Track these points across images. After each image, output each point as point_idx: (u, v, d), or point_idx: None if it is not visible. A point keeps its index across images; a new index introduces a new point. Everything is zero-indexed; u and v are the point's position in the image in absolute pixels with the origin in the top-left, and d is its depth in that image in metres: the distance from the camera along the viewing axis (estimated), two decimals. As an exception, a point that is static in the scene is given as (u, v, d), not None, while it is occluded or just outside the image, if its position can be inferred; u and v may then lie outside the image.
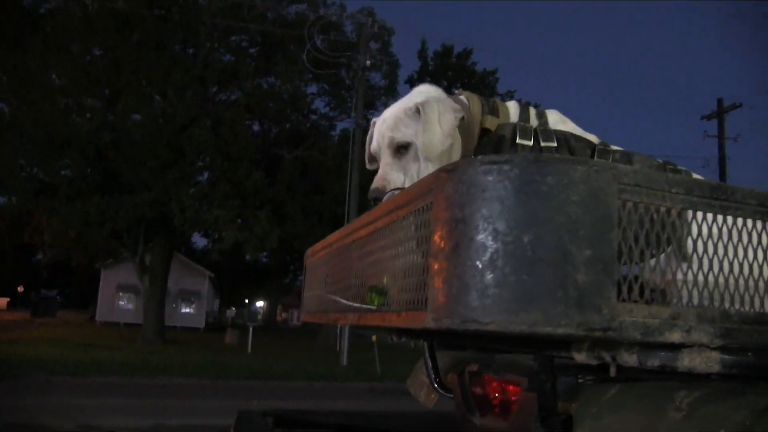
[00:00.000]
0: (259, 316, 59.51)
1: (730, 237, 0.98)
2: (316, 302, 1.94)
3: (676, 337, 0.92)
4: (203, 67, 25.76)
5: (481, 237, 0.87)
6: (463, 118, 2.02)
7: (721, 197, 0.97)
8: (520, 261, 0.86)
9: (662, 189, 0.92)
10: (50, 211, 27.34)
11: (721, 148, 28.58)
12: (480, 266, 0.87)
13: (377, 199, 1.95)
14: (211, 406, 12.54)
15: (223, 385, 16.16)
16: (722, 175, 27.97)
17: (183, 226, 24.76)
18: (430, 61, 31.75)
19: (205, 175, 26.16)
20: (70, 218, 23.95)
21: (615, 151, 2.00)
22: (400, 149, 2.00)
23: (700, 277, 0.98)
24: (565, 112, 2.24)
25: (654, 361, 1.01)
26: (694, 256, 0.98)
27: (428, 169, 1.90)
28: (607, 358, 1.05)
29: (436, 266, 0.92)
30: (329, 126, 30.35)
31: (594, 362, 1.07)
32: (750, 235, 0.98)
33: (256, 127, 28.20)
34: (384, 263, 1.21)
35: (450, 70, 31.34)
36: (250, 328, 26.78)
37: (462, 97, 2.13)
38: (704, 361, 0.97)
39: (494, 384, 1.63)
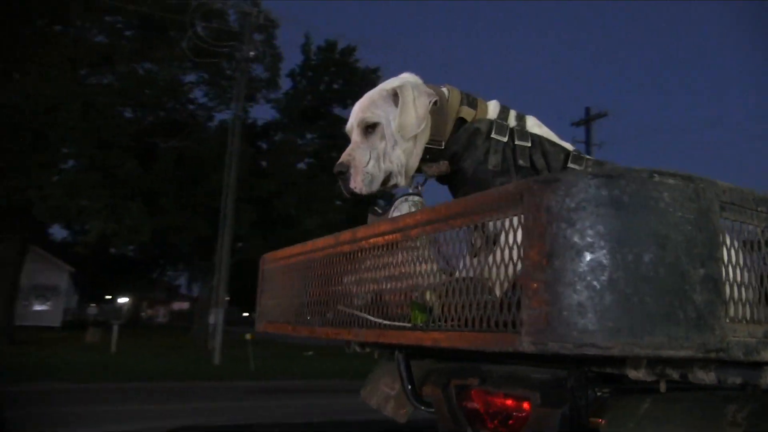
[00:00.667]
0: (124, 313, 56.80)
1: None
2: (286, 312, 1.84)
3: (759, 354, 0.92)
4: (73, 45, 24.16)
5: (597, 255, 0.82)
6: (436, 102, 2.05)
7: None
8: (642, 281, 0.82)
9: (752, 207, 0.91)
10: None
11: (588, 153, 30.44)
12: (598, 287, 0.81)
13: (341, 173, 2.08)
14: (66, 412, 11.77)
15: (82, 388, 15.22)
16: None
17: (44, 216, 23.16)
18: (313, 56, 31.53)
19: (72, 162, 24.60)
20: None
21: (588, 159, 2.04)
22: (368, 128, 2.07)
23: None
24: None
25: (736, 379, 1.00)
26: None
27: (396, 149, 2.01)
28: (675, 375, 1.03)
29: (534, 285, 0.85)
30: (207, 116, 29.45)
31: (649, 379, 1.05)
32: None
33: (129, 114, 26.83)
34: (423, 277, 1.13)
35: (333, 66, 31.27)
36: (114, 326, 25.44)
37: (443, 89, 2.15)
38: (770, 377, 0.98)
39: (489, 398, 1.59)
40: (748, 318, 0.89)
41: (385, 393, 2.12)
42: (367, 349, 2.17)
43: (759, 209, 0.93)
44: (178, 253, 43.87)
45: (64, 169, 24.04)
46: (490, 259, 1.00)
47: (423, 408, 1.82)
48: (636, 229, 0.83)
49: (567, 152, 2.05)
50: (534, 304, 0.85)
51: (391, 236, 1.26)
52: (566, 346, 0.81)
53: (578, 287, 0.82)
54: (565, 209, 0.84)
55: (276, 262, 1.99)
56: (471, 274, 1.07)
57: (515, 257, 0.93)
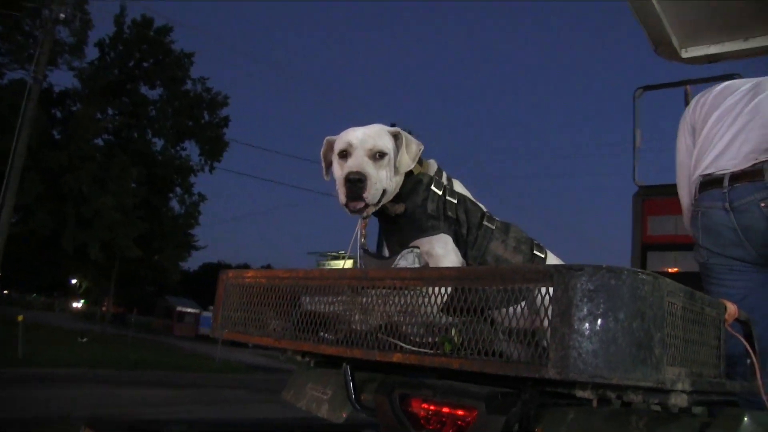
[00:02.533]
0: None
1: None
2: (259, 325, 2.17)
3: (681, 386, 1.48)
4: None
5: (605, 320, 1.31)
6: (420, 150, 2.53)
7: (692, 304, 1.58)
8: (630, 338, 1.32)
9: (677, 295, 1.47)
10: None
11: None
12: (604, 340, 1.31)
13: (360, 181, 2.34)
14: None
15: None
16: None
17: None
18: (126, 29, 29.99)
19: None
20: None
21: (497, 221, 2.58)
22: (377, 155, 2.41)
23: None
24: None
25: (654, 400, 1.56)
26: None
27: (394, 181, 2.44)
28: (612, 396, 1.57)
29: (561, 335, 1.32)
30: (-2, 73, 26.81)
31: (593, 398, 1.58)
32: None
33: None
34: (443, 317, 1.59)
35: (146, 43, 30.00)
36: None
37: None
38: (681, 400, 1.54)
39: (433, 406, 2.03)
40: (672, 363, 1.44)
41: (315, 397, 2.49)
42: (306, 358, 2.56)
43: (679, 295, 1.50)
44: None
45: None
46: (510, 311, 1.47)
47: (365, 413, 2.22)
48: (628, 306, 1.34)
49: (482, 212, 2.56)
50: (560, 348, 1.34)
51: (413, 282, 1.69)
52: (583, 376, 1.30)
53: (593, 340, 1.31)
54: (587, 289, 1.34)
55: (244, 279, 2.28)
56: (489, 320, 1.54)
57: (542, 314, 1.41)
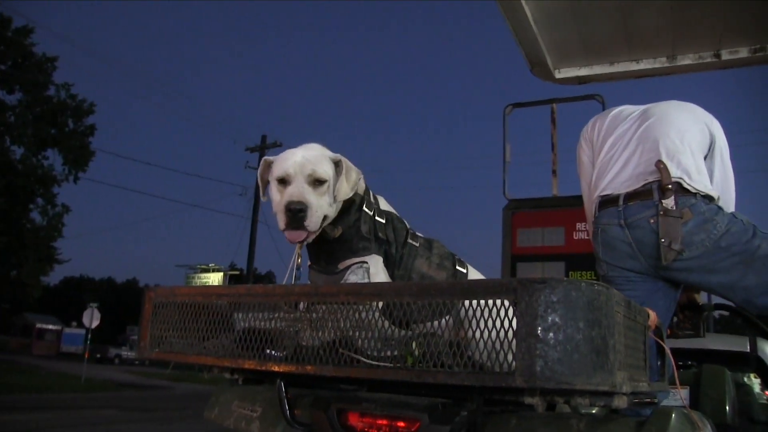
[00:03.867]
0: None
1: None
2: (188, 343, 2.10)
3: (625, 388, 1.57)
4: None
5: (568, 330, 1.38)
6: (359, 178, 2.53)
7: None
8: (590, 346, 1.40)
9: (617, 303, 1.58)
10: None
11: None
12: (568, 349, 1.38)
13: (301, 211, 2.33)
14: None
15: None
16: (256, 200, 30.86)
17: None
18: (-20, 28, 27.86)
19: None
20: None
21: (420, 237, 2.64)
22: (317, 182, 2.39)
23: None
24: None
25: (600, 402, 1.66)
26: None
27: (333, 207, 2.44)
28: (561, 401, 1.66)
29: (526, 345, 1.38)
30: None
31: (540, 404, 1.66)
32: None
33: None
34: (414, 331, 1.63)
35: (3, 44, 27.94)
36: None
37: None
38: (623, 402, 1.64)
39: (373, 419, 2.05)
40: (619, 367, 1.55)
41: (244, 414, 2.43)
42: (236, 376, 2.51)
43: (621, 304, 1.61)
44: None
45: None
46: (471, 324, 1.52)
47: (301, 428, 2.20)
48: (587, 315, 1.42)
49: (407, 229, 2.60)
50: (526, 357, 1.40)
51: (370, 297, 1.71)
52: (549, 383, 1.37)
53: (558, 348, 1.38)
54: (550, 301, 1.41)
55: (176, 297, 2.20)
56: (449, 334, 1.59)
57: (506, 326, 1.47)
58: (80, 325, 44.19)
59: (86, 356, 28.86)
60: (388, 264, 2.48)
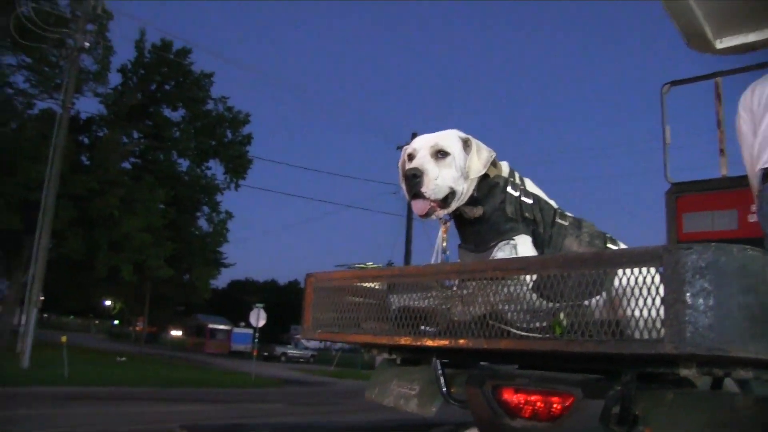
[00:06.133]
0: None
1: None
2: (347, 323, 2.26)
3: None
4: None
5: (719, 295, 1.38)
6: (494, 157, 2.58)
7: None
8: (745, 313, 1.40)
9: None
10: None
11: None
12: (720, 315, 1.38)
13: (415, 177, 2.40)
14: None
15: None
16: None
17: None
18: (147, 53, 30.45)
19: None
20: None
21: (569, 216, 2.65)
22: (439, 153, 2.48)
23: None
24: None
25: (764, 376, 1.63)
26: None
27: (464, 182, 2.49)
28: (720, 373, 1.64)
29: (675, 312, 1.40)
30: (27, 104, 27.31)
31: (697, 376, 1.65)
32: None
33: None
34: (552, 303, 1.68)
35: (166, 66, 30.40)
36: None
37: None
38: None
39: (527, 395, 2.10)
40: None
41: (402, 393, 2.55)
42: (394, 356, 2.64)
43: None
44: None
45: None
46: (617, 293, 1.55)
47: (457, 405, 2.28)
48: (740, 281, 1.41)
49: (555, 209, 2.62)
50: (675, 323, 1.41)
51: (517, 271, 1.78)
52: (700, 349, 1.38)
53: (708, 314, 1.38)
54: (698, 266, 1.41)
55: (335, 281, 2.37)
56: (596, 304, 1.63)
57: (653, 293, 1.48)
58: (248, 325, 46.97)
59: (254, 354, 30.44)
60: (536, 244, 2.50)
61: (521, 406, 2.15)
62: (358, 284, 2.28)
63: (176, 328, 63.16)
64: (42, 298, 22.02)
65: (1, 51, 24.61)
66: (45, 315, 61.46)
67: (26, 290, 22.67)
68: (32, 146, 24.64)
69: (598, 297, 1.65)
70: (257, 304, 28.69)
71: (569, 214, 2.67)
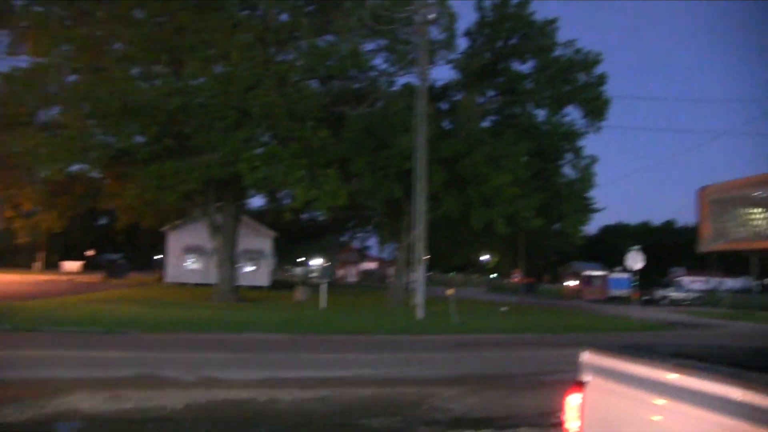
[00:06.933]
0: (331, 273, 60.42)
1: None
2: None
3: None
4: (263, 28, 25.77)
5: None
6: None
7: None
8: None
9: None
10: (125, 177, 28.03)
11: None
12: None
13: None
14: (308, 359, 12.98)
15: (309, 339, 16.58)
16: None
17: (254, 185, 25.15)
18: (487, 12, 31.20)
19: (270, 135, 26.30)
20: (145, 182, 24.49)
21: None
22: None
23: None
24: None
25: None
26: None
27: None
28: None
29: None
30: (389, 82, 30.19)
31: None
32: None
33: (316, 86, 28.19)
34: None
35: (507, 21, 30.79)
36: (323, 285, 27.27)
37: None
38: None
39: None
40: None
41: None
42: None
43: None
44: (367, 216, 45.85)
45: (267, 143, 25.78)
46: None
47: None
48: None
49: None
50: None
51: None
52: None
53: None
54: None
55: (729, 191, 2.22)
56: None
57: None
58: (624, 269, 45.80)
59: (635, 297, 29.61)
60: None
61: None
62: (756, 193, 2.05)
63: (551, 277, 64.46)
64: (427, 256, 24.21)
65: (362, 39, 27.34)
66: (429, 273, 67.86)
67: (413, 251, 25.21)
68: (400, 120, 27.14)
69: None
70: (633, 247, 27.73)
71: None
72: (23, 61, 25.11)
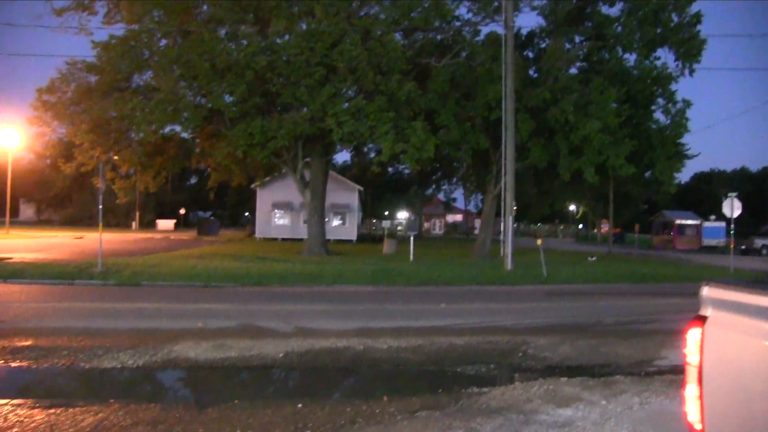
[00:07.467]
0: (419, 226, 60.79)
1: None
2: None
3: None
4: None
5: None
6: None
7: None
8: None
9: None
10: (216, 136, 28.91)
11: None
12: None
13: None
14: (400, 310, 13.33)
15: (400, 291, 16.91)
16: None
17: (341, 140, 25.48)
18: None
19: (356, 90, 26.44)
20: (236, 140, 25.19)
21: None
22: None
23: None
24: None
25: None
26: None
27: None
28: None
29: None
30: (473, 32, 29.63)
31: None
32: None
33: (400, 39, 28.01)
34: None
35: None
36: (411, 238, 27.56)
37: None
38: None
39: None
40: None
41: None
42: None
43: None
44: (453, 169, 45.79)
45: (352, 97, 25.96)
46: None
47: None
48: None
49: None
50: None
51: None
52: None
53: None
54: None
55: None
56: None
57: None
58: (719, 218, 44.08)
59: (732, 246, 28.55)
60: None
61: None
62: None
63: (642, 226, 62.70)
64: (515, 207, 24.06)
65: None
66: (516, 224, 67.15)
67: (499, 202, 25.07)
68: (485, 69, 26.75)
69: None
70: (730, 194, 26.61)
71: None
72: (119, 29, 26.18)
